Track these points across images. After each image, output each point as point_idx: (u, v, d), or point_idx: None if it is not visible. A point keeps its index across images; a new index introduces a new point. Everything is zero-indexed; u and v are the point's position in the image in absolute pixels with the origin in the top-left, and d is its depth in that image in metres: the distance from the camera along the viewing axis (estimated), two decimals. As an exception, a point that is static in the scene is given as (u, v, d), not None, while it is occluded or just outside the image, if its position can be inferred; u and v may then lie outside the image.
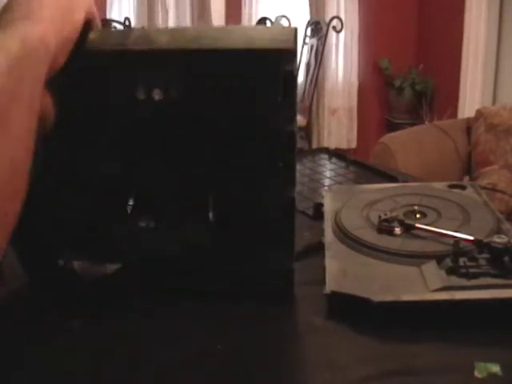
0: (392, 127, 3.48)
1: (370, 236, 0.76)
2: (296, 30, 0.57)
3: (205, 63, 0.56)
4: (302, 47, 3.43)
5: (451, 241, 0.69)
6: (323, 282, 0.69)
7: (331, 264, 0.72)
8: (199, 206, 0.62)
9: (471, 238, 0.69)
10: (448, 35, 3.54)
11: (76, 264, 0.66)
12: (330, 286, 0.67)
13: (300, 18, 3.55)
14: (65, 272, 0.66)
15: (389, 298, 0.63)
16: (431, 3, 3.73)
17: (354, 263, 0.72)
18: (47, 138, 0.51)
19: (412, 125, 3.25)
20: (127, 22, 3.23)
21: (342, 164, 1.25)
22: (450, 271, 0.65)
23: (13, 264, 0.66)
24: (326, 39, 3.27)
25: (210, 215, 0.61)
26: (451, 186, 0.93)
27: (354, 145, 3.79)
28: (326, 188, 1.06)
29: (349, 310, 0.65)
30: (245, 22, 3.50)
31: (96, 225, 0.64)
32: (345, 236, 0.78)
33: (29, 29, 0.45)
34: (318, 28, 3.34)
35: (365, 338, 0.62)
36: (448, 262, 0.66)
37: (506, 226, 0.76)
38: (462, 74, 3.42)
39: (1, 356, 0.55)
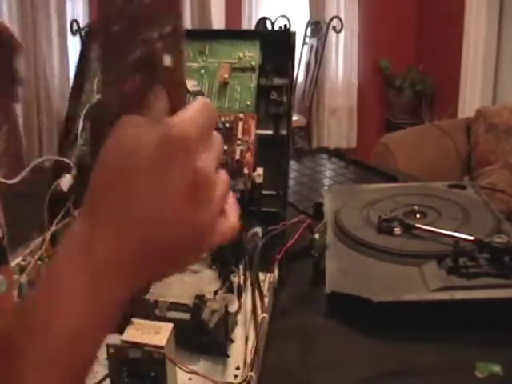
0: (392, 127, 3.47)
1: (370, 236, 0.76)
2: None
3: None
4: (302, 47, 3.43)
5: (451, 241, 0.69)
6: (323, 281, 0.69)
7: (331, 264, 0.72)
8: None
9: (471, 237, 0.69)
10: (448, 35, 3.53)
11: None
12: (330, 286, 0.67)
13: (300, 18, 3.54)
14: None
15: (389, 298, 0.63)
16: (431, 3, 3.72)
17: (354, 263, 0.72)
18: None
19: (412, 125, 3.24)
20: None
21: (342, 164, 1.25)
22: (450, 271, 0.65)
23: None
24: (325, 39, 3.26)
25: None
26: (451, 186, 0.93)
27: (353, 145, 3.78)
28: (326, 188, 1.06)
29: (349, 309, 0.65)
30: (245, 21, 3.50)
31: None
32: (345, 236, 0.78)
33: None
34: (317, 28, 3.33)
35: (365, 338, 0.62)
36: (448, 261, 0.66)
37: (506, 226, 0.76)
38: (462, 74, 3.41)
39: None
